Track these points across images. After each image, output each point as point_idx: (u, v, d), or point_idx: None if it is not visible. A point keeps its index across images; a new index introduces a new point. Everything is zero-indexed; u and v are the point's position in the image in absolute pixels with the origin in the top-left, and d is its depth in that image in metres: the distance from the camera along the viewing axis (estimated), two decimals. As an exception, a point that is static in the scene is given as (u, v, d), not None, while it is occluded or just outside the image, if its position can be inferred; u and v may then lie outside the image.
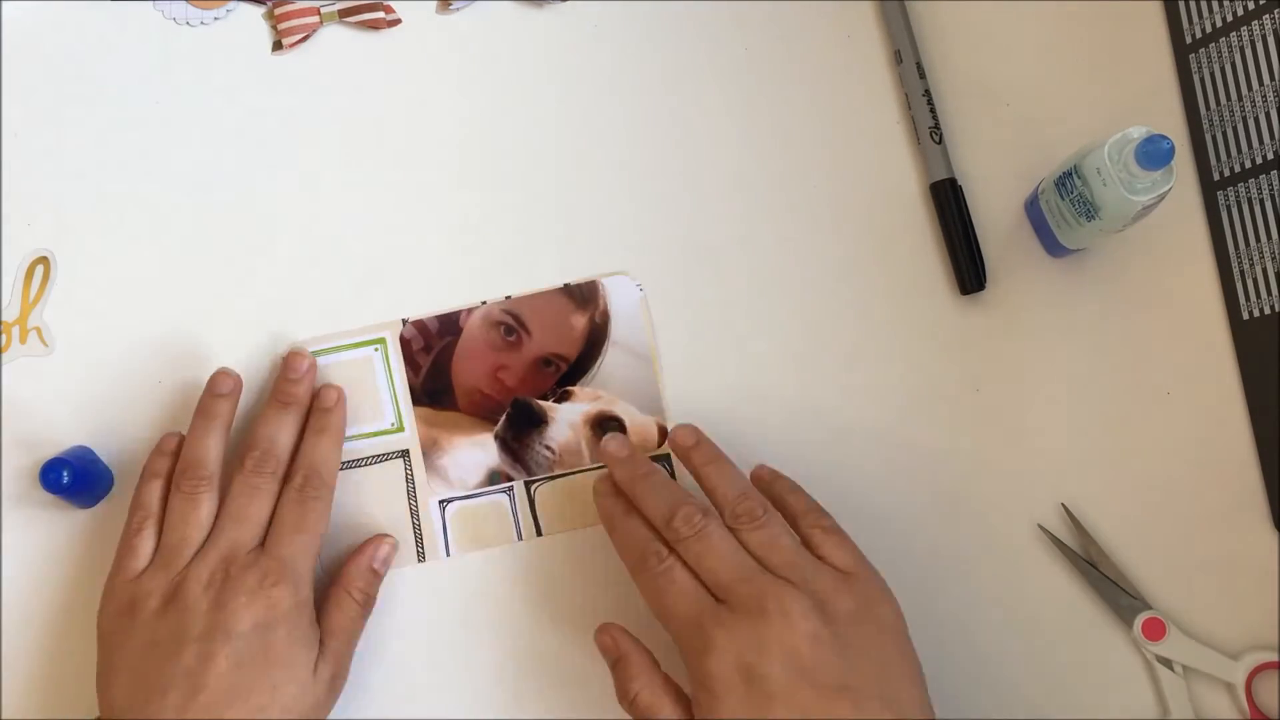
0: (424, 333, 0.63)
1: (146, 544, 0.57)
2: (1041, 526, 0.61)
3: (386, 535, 0.61)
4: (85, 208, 0.64)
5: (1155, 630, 0.59)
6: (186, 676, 0.53)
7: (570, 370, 0.63)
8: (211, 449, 0.58)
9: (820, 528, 0.55)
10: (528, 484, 0.62)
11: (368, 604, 0.59)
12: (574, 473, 0.62)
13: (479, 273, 0.63)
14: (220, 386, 0.59)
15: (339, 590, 0.58)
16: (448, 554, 0.61)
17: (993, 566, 0.61)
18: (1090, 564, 0.60)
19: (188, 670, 0.53)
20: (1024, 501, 0.61)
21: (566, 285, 0.63)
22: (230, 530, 0.56)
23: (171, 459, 0.59)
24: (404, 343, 0.63)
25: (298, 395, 0.60)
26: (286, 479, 0.58)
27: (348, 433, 0.62)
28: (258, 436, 0.58)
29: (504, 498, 0.62)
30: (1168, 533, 0.61)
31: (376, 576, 0.60)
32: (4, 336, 0.63)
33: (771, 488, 0.57)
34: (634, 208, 0.63)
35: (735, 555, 0.53)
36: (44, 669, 0.61)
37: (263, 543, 0.57)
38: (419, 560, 0.61)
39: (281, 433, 0.59)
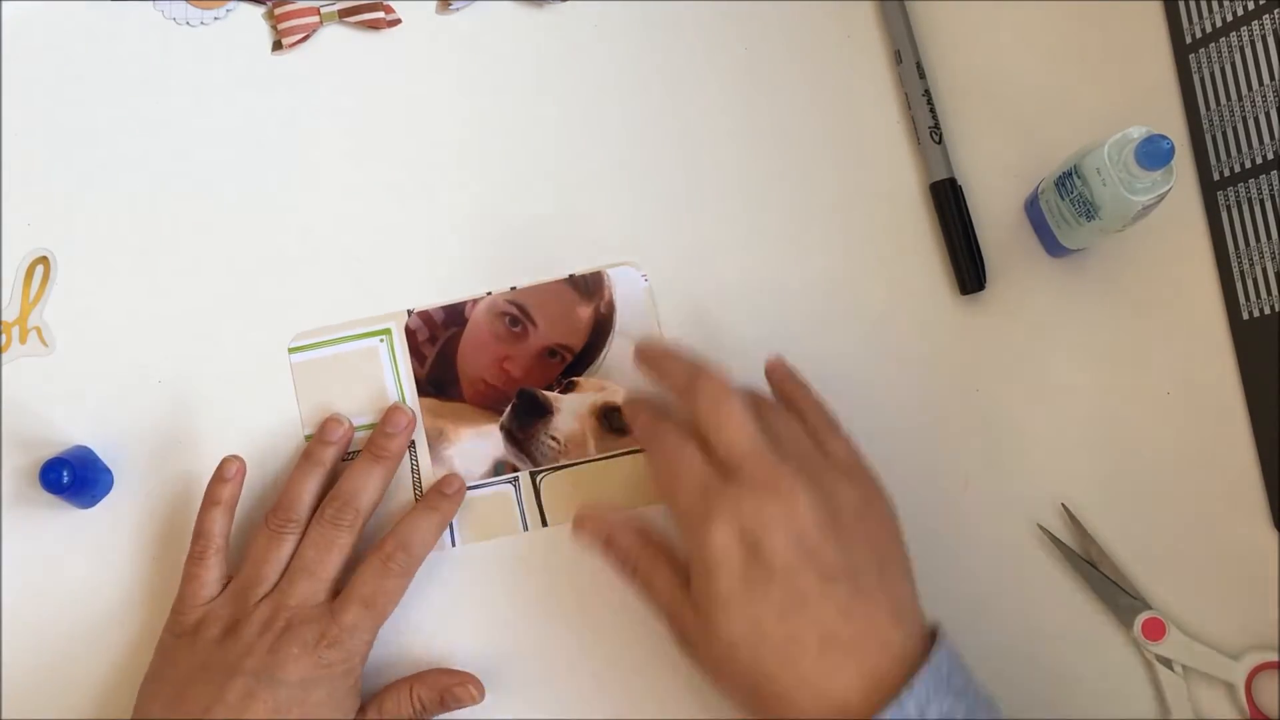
0: (429, 323, 0.63)
1: (212, 572, 0.58)
2: (1041, 526, 0.61)
3: (476, 681, 0.59)
4: (85, 208, 0.64)
5: (1155, 630, 0.59)
6: (226, 707, 0.53)
7: (575, 361, 0.63)
8: (306, 494, 0.58)
9: (827, 423, 0.56)
10: (533, 474, 0.62)
11: (423, 714, 0.58)
12: (580, 463, 0.62)
13: (484, 264, 0.63)
14: (330, 434, 0.60)
15: (406, 686, 0.58)
16: (454, 544, 0.61)
17: (993, 566, 0.61)
18: (1090, 564, 0.60)
19: (229, 703, 0.53)
20: (1024, 501, 0.61)
21: (571, 276, 0.63)
22: (301, 582, 0.56)
23: (233, 486, 0.59)
24: (409, 334, 0.63)
25: (392, 450, 0.60)
26: (378, 546, 0.58)
27: (354, 423, 0.62)
28: (342, 488, 0.59)
29: (509, 488, 0.62)
30: (1168, 533, 0.61)
31: (441, 704, 0.58)
32: (4, 336, 0.63)
33: (784, 385, 0.58)
34: (637, 203, 0.63)
35: (753, 428, 0.52)
36: (44, 669, 0.61)
37: (334, 595, 0.57)
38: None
39: (369, 486, 0.59)
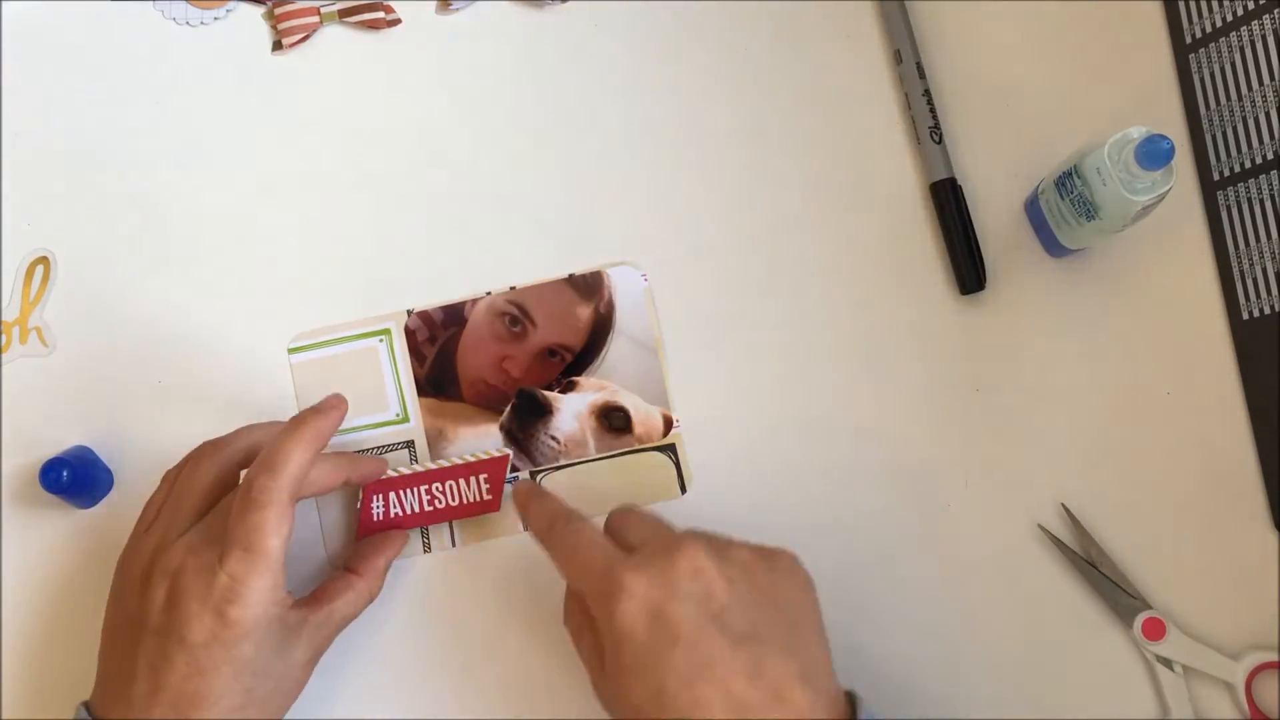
0: (429, 323, 0.63)
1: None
2: (1041, 526, 0.61)
3: (404, 534, 0.60)
4: (85, 208, 0.64)
5: (1155, 630, 0.59)
6: (149, 670, 0.52)
7: (575, 360, 0.63)
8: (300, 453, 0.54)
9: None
10: (533, 474, 0.62)
11: (375, 596, 0.58)
12: (580, 463, 0.62)
13: (483, 264, 0.63)
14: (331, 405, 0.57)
15: (357, 580, 0.58)
16: (454, 545, 0.61)
17: (993, 566, 0.61)
18: (1090, 564, 0.60)
19: (150, 664, 0.52)
20: (1024, 501, 0.61)
21: (571, 275, 0.63)
22: (214, 522, 0.54)
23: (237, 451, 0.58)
24: (409, 334, 0.63)
25: (314, 421, 0.56)
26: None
27: (353, 423, 0.62)
28: (264, 453, 0.55)
29: (509, 488, 0.62)
30: (1168, 533, 0.61)
31: (386, 570, 0.59)
32: (4, 336, 0.63)
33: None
34: (637, 202, 0.63)
35: (650, 515, 0.53)
36: (44, 669, 0.61)
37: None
38: (425, 551, 0.61)
39: (295, 452, 0.54)
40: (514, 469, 0.62)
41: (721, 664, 0.47)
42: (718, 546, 0.51)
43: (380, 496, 0.60)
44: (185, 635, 0.51)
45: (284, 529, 0.52)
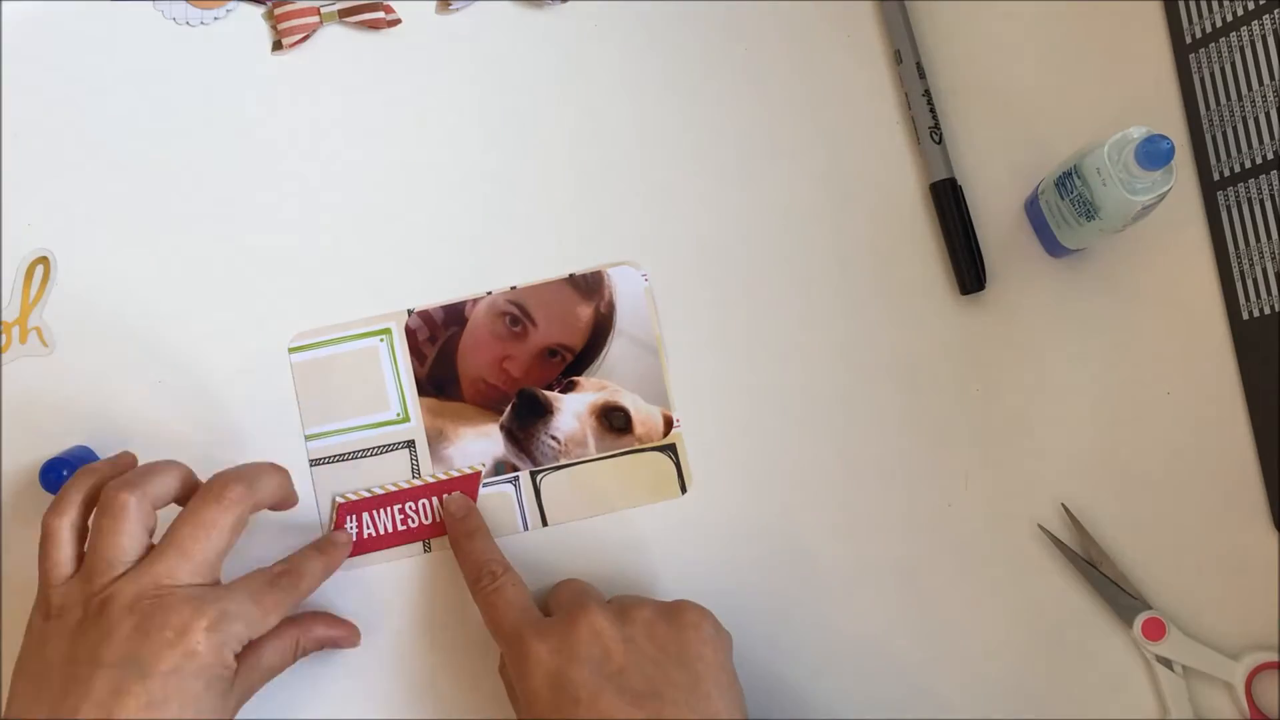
0: (429, 323, 0.63)
1: (65, 551, 0.54)
2: (1041, 526, 0.61)
3: (355, 631, 0.60)
4: (85, 208, 0.64)
5: (1155, 630, 0.59)
6: (97, 706, 0.49)
7: (576, 360, 0.63)
8: (166, 479, 0.55)
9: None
10: (533, 474, 0.62)
11: (297, 659, 0.57)
12: (580, 463, 0.62)
13: (484, 263, 0.63)
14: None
15: (292, 636, 0.57)
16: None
17: (993, 566, 0.61)
18: (1090, 564, 0.60)
19: (99, 701, 0.49)
20: (1024, 501, 0.61)
21: (572, 275, 0.63)
22: (171, 558, 0.52)
23: (114, 469, 0.56)
24: (409, 333, 0.63)
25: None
26: (266, 568, 0.55)
27: (353, 423, 0.62)
28: (239, 467, 0.55)
29: (510, 488, 0.62)
30: (1168, 533, 0.61)
31: (321, 646, 0.59)
32: (4, 336, 0.63)
33: None
34: (637, 202, 0.63)
35: (576, 586, 0.57)
36: (44, 669, 0.60)
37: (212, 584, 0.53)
38: (425, 550, 0.61)
39: (267, 478, 0.56)
40: (513, 469, 0.62)
41: None
42: (620, 609, 0.54)
43: (354, 517, 0.60)
44: (150, 665, 0.50)
45: (274, 623, 0.54)
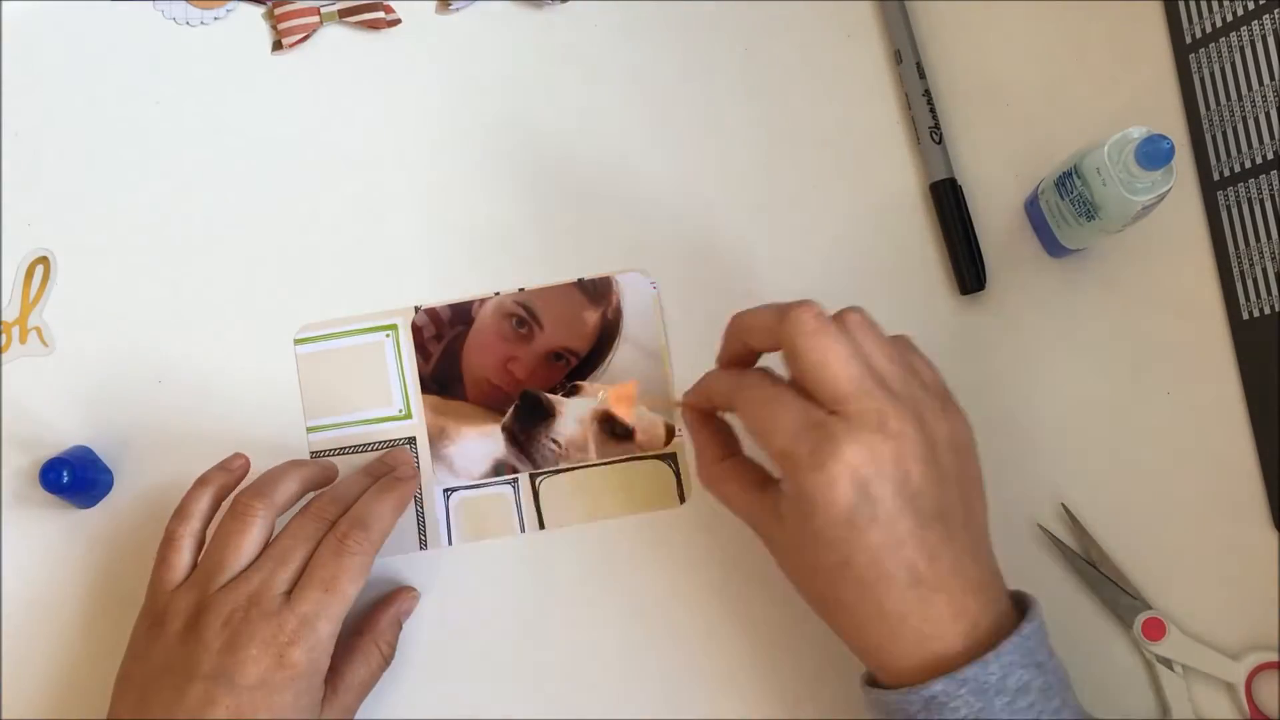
0: (436, 321, 0.63)
1: (184, 556, 0.55)
2: (1041, 526, 0.61)
3: (411, 588, 0.60)
4: (85, 208, 0.64)
5: (1155, 630, 0.59)
6: (187, 714, 0.51)
7: (580, 365, 0.63)
8: (289, 484, 0.56)
9: (908, 343, 0.54)
10: (533, 477, 0.62)
11: (390, 656, 0.58)
12: (579, 467, 0.62)
13: (493, 264, 0.63)
14: (327, 469, 0.60)
15: (368, 642, 0.57)
16: (450, 543, 0.62)
17: (993, 566, 0.61)
18: (1090, 564, 0.60)
19: (189, 708, 0.51)
20: (1024, 501, 0.61)
21: (580, 280, 0.63)
22: (268, 568, 0.54)
23: (230, 478, 0.57)
24: (415, 330, 0.63)
25: (382, 471, 0.60)
26: (332, 527, 0.55)
27: (355, 418, 0.62)
28: (336, 489, 0.58)
29: (508, 489, 0.62)
30: (1168, 533, 0.61)
31: (399, 628, 0.59)
32: (4, 336, 0.63)
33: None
34: (638, 203, 0.63)
35: (855, 363, 0.50)
36: (44, 669, 0.60)
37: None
38: (421, 548, 0.61)
39: (354, 489, 0.58)
40: (513, 470, 0.62)
41: (910, 545, 0.48)
42: (921, 419, 0.50)
43: None
44: (236, 678, 0.51)
45: (361, 581, 0.55)
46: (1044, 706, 0.48)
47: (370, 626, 0.58)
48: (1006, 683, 0.48)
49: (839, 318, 0.51)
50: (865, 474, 0.48)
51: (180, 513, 0.56)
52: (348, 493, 0.57)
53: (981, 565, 0.51)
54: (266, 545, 0.55)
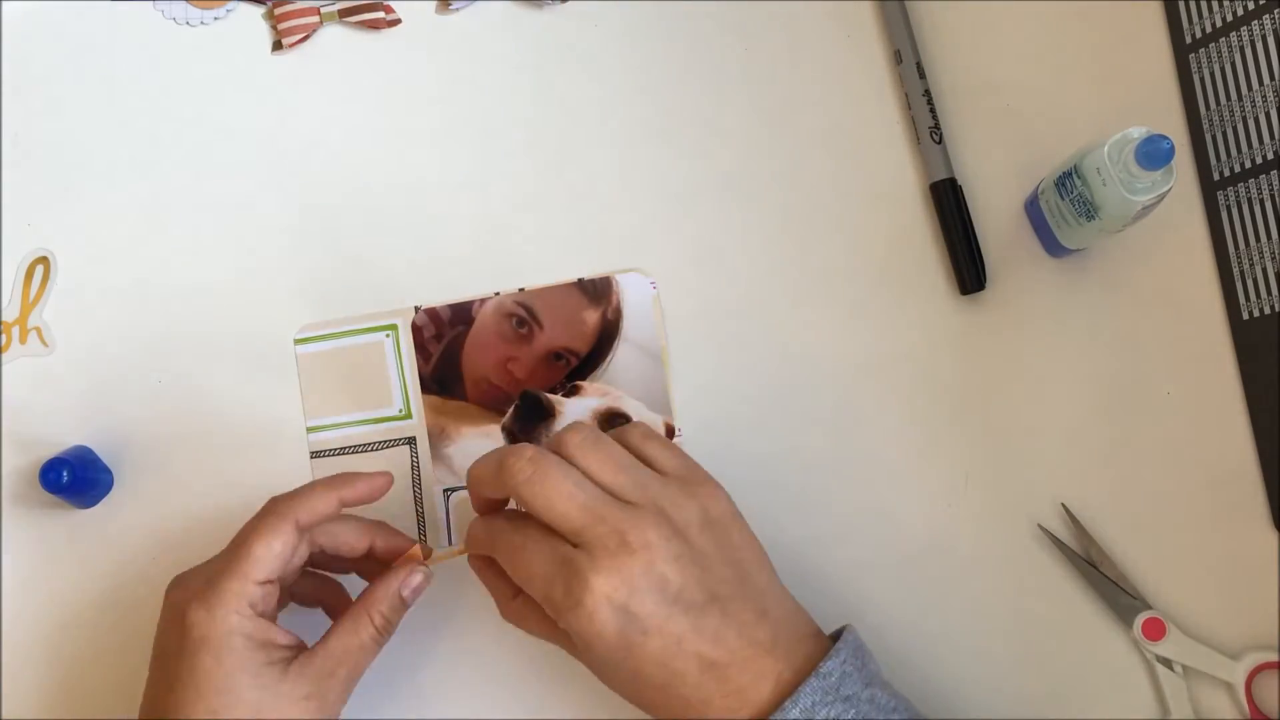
0: (436, 321, 0.63)
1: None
2: (1041, 526, 0.61)
3: (421, 566, 0.56)
4: (85, 208, 0.64)
5: (1155, 630, 0.59)
6: (148, 689, 0.53)
7: (580, 365, 0.63)
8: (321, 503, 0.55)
9: (642, 433, 0.54)
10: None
11: (386, 630, 0.55)
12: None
13: (493, 264, 0.63)
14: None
15: (359, 611, 0.54)
16: (450, 543, 0.61)
17: (993, 566, 0.61)
18: (1090, 564, 0.60)
19: (149, 683, 0.53)
20: (1024, 501, 0.61)
21: (580, 280, 0.63)
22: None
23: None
24: (415, 330, 0.63)
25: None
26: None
27: (355, 418, 0.62)
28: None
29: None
30: (1168, 533, 0.61)
31: (403, 605, 0.56)
32: (4, 336, 0.63)
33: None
34: (639, 204, 0.63)
35: (581, 489, 0.50)
36: (44, 669, 0.60)
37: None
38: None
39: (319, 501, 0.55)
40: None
41: (690, 640, 0.49)
42: (662, 514, 0.51)
43: None
44: (162, 646, 0.52)
45: (274, 544, 0.52)
46: None
47: (366, 596, 0.55)
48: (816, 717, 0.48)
49: (558, 444, 0.52)
50: (620, 598, 0.49)
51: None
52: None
53: (773, 621, 0.51)
54: None
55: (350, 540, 0.56)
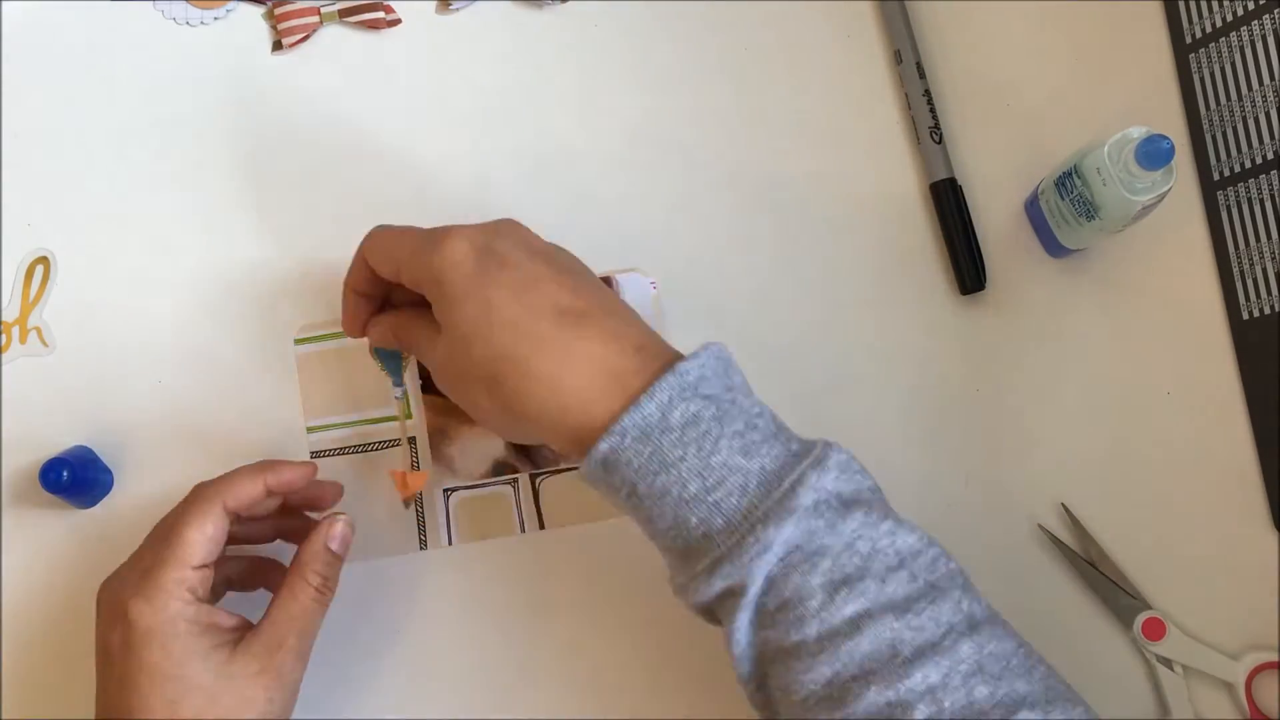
0: (437, 321, 0.63)
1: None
2: (1041, 526, 0.61)
3: (341, 513, 0.55)
4: (85, 208, 0.64)
5: (1155, 630, 0.59)
6: (99, 693, 0.52)
7: (579, 365, 0.63)
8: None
9: None
10: (533, 477, 0.62)
11: (326, 589, 0.54)
12: (579, 467, 0.62)
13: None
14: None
15: (294, 576, 0.53)
16: (450, 542, 0.61)
17: (993, 566, 0.61)
18: (1090, 564, 0.60)
19: (99, 686, 0.52)
20: (1024, 501, 0.61)
21: (579, 280, 0.63)
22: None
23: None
24: (416, 330, 0.63)
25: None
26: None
27: (355, 418, 0.62)
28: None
29: (508, 489, 0.62)
30: (1168, 533, 0.61)
31: (336, 559, 0.55)
32: (4, 336, 0.63)
33: None
34: (639, 204, 0.64)
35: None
36: (44, 669, 0.61)
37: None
38: (421, 548, 0.61)
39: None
40: (513, 470, 0.62)
41: (549, 281, 0.49)
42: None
43: None
44: (106, 646, 0.52)
45: (207, 528, 0.52)
46: (721, 430, 0.47)
47: (296, 559, 0.54)
48: (670, 419, 0.46)
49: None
50: (482, 241, 0.50)
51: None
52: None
53: (640, 328, 0.50)
54: None
55: (248, 491, 0.54)
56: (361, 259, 0.55)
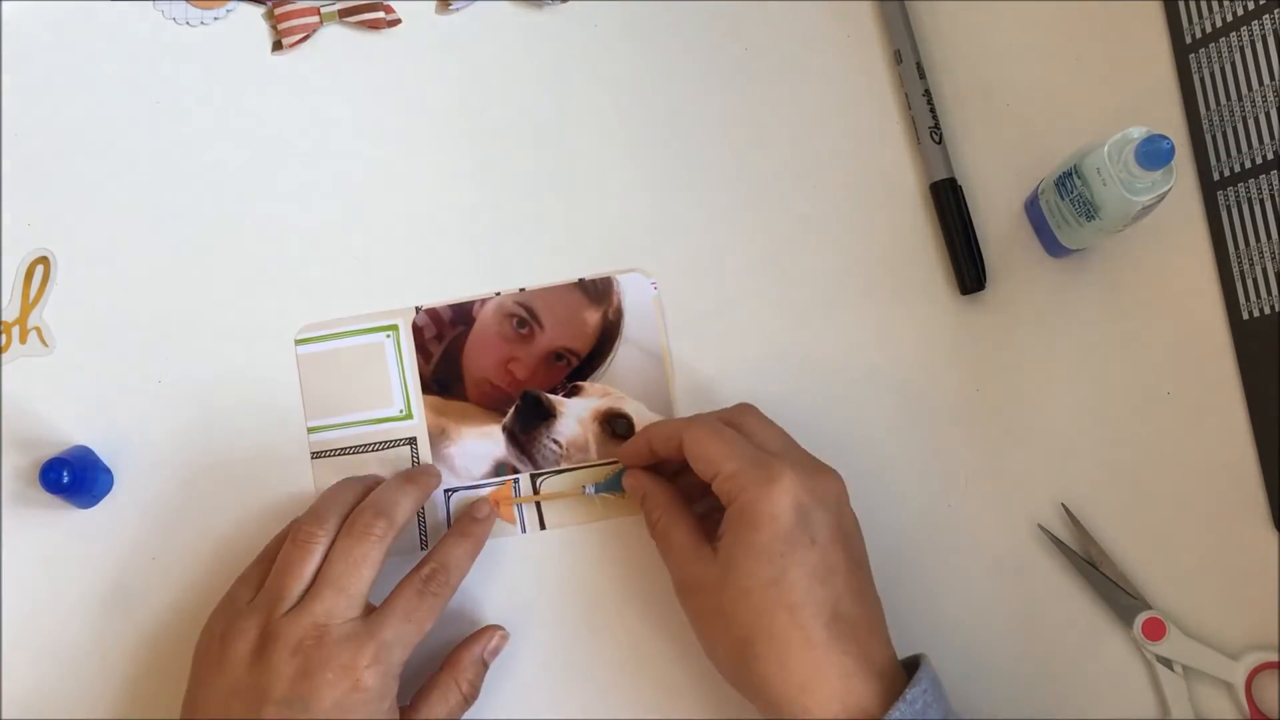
0: (437, 321, 0.63)
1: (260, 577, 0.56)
2: (1041, 526, 0.61)
3: (499, 627, 0.60)
4: (85, 208, 0.64)
5: (1155, 630, 0.59)
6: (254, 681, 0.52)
7: (581, 365, 0.63)
8: (340, 505, 0.57)
9: (756, 418, 0.58)
10: (533, 477, 0.62)
11: (472, 695, 0.58)
12: (580, 468, 0.62)
13: (494, 264, 0.63)
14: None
15: (448, 678, 0.57)
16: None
17: (993, 566, 0.61)
18: (1090, 564, 0.60)
19: (253, 679, 0.52)
20: (1024, 501, 0.61)
21: (581, 280, 0.63)
22: (329, 597, 0.54)
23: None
24: (416, 330, 0.63)
25: (429, 477, 0.60)
26: (416, 567, 0.57)
27: (355, 418, 0.62)
28: (375, 498, 0.57)
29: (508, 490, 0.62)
30: (1168, 533, 0.61)
31: (484, 668, 0.58)
32: (4, 336, 0.63)
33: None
34: (636, 204, 0.64)
35: (776, 429, 0.56)
36: (44, 669, 0.60)
37: (365, 613, 0.54)
38: (421, 548, 0.61)
39: (403, 502, 0.57)
40: (514, 471, 0.62)
41: (840, 576, 0.51)
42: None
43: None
44: (310, 703, 0.52)
45: (437, 617, 0.56)
46: None
47: (452, 664, 0.58)
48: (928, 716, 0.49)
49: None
50: (807, 502, 0.52)
51: (281, 538, 0.57)
52: (393, 500, 0.57)
53: (883, 645, 0.52)
54: (321, 566, 0.55)
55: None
56: (664, 446, 0.57)
